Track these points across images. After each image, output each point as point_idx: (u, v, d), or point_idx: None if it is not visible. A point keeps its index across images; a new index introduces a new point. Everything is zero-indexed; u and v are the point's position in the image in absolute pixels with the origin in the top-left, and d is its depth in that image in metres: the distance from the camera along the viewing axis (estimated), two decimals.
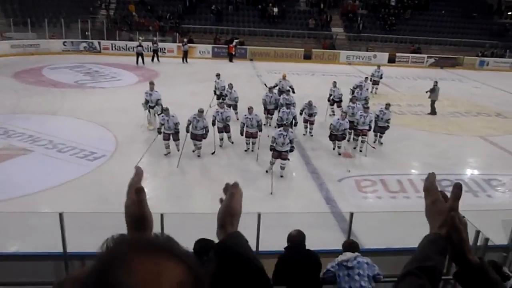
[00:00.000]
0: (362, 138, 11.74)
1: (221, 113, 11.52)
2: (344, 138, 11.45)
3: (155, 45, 24.91)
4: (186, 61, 24.99)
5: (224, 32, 29.05)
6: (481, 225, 6.98)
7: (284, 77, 15.62)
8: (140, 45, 23.60)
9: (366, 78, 17.33)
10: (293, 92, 14.66)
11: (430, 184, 1.20)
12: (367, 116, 11.67)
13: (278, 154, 9.92)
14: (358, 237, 6.98)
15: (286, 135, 9.86)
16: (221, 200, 1.23)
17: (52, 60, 22.76)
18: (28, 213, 7.16)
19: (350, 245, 4.94)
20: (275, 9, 30.32)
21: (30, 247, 6.38)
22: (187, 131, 10.63)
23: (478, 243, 6.23)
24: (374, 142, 12.40)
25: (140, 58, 23.36)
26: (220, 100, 13.94)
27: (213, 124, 11.36)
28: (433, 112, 16.46)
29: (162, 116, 10.87)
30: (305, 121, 12.99)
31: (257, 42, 28.96)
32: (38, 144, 11.24)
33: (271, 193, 9.09)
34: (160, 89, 17.96)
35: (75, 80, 19.01)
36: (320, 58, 28.67)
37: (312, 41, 29.87)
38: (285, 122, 10.92)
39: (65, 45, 25.94)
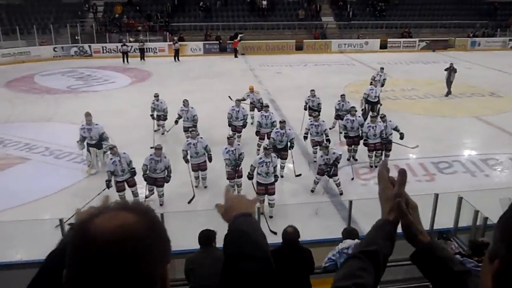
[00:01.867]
0: (376, 153, 10.29)
1: (194, 144, 8.96)
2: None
3: (141, 44, 25.22)
4: (178, 59, 24.96)
5: (214, 28, 28.96)
6: (480, 204, 7.09)
7: (251, 90, 13.43)
8: (124, 44, 24.64)
9: (371, 82, 14.77)
10: (262, 107, 12.00)
11: (381, 171, 1.24)
12: (375, 126, 10.05)
13: (265, 189, 8.00)
14: (358, 225, 7.06)
15: (270, 162, 7.90)
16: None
17: (44, 67, 22.68)
18: (29, 221, 7.17)
19: (350, 233, 4.99)
20: (264, 2, 30.21)
21: (33, 255, 6.40)
22: (145, 179, 8.36)
23: (478, 223, 6.29)
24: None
25: (125, 57, 24.26)
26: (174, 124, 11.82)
27: (186, 161, 8.99)
28: (449, 92, 16.94)
29: (111, 158, 8.26)
30: (314, 144, 10.50)
31: (248, 36, 28.85)
32: (35, 152, 11.24)
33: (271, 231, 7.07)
34: (154, 89, 17.96)
35: (68, 86, 18.95)
36: (312, 48, 28.64)
37: (303, 32, 29.80)
38: (268, 146, 8.46)
39: (55, 51, 25.83)
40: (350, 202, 6.90)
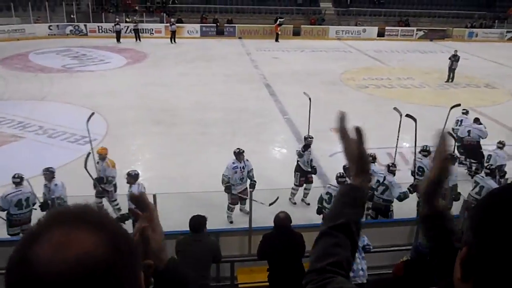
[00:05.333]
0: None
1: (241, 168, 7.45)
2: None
3: (135, 24, 25.04)
4: (174, 41, 24.77)
5: (212, 11, 28.71)
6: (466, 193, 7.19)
7: (102, 155, 7.67)
8: (118, 24, 24.55)
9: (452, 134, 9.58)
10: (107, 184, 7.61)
11: (341, 126, 1.14)
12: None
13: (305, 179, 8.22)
14: None
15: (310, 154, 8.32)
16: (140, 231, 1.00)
17: (38, 45, 22.43)
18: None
19: None
20: None
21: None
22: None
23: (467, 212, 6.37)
24: None
25: (118, 36, 24.36)
26: None
27: (229, 190, 7.45)
28: (453, 79, 17.38)
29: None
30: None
31: (245, 20, 28.67)
32: (29, 130, 11.20)
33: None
34: (149, 71, 17.93)
35: (63, 65, 18.79)
36: (309, 34, 28.50)
37: (301, 17, 29.62)
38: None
39: (50, 29, 25.52)
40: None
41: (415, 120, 7.63)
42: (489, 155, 8.68)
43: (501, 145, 8.72)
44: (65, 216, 0.69)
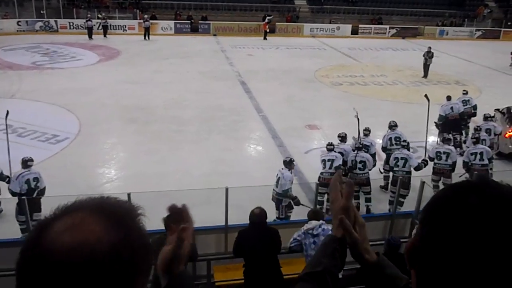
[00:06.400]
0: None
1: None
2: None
3: (103, 21, 24.78)
4: (148, 38, 24.47)
5: (186, 8, 28.48)
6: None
7: None
8: (89, 20, 24.25)
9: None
10: None
11: (334, 183, 1.17)
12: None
13: None
14: (325, 207, 7.21)
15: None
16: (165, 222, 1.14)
17: (7, 41, 21.79)
18: None
19: (315, 214, 5.10)
20: None
21: None
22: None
23: None
24: None
25: (90, 32, 24.05)
26: None
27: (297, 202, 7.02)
28: (425, 75, 17.98)
29: None
30: None
31: (220, 17, 28.56)
32: None
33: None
34: (123, 68, 17.68)
35: (33, 62, 18.31)
36: (284, 31, 28.61)
37: (276, 15, 29.66)
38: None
39: (19, 25, 24.84)
40: (317, 184, 7.03)
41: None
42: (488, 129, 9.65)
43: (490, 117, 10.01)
44: (88, 204, 0.75)
